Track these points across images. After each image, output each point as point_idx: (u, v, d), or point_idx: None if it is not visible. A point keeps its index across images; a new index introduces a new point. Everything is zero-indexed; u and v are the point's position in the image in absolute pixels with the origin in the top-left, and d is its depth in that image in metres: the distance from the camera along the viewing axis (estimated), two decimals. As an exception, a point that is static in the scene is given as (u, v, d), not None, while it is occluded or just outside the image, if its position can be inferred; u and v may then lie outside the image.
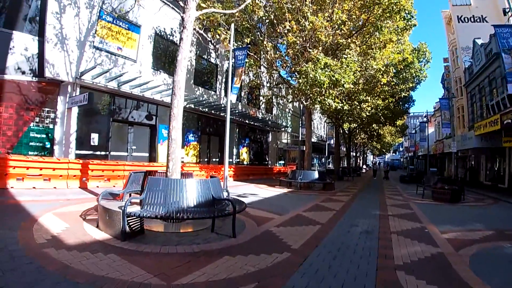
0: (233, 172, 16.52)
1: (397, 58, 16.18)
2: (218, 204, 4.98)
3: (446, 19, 26.94)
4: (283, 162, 28.98)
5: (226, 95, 11.41)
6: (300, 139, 23.14)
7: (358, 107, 18.95)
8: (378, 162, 55.87)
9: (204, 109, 16.91)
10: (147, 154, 14.39)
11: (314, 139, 33.28)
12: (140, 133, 14.32)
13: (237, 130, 21.24)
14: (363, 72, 14.66)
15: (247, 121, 21.24)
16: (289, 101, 19.62)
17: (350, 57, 11.99)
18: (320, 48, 12.46)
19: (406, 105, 26.10)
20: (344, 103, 13.50)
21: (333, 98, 12.53)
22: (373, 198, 12.03)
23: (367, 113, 20.14)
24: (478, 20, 23.03)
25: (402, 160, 75.88)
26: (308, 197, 10.86)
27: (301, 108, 24.01)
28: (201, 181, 5.02)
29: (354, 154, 47.25)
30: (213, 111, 17.47)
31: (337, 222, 6.44)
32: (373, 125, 28.89)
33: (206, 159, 18.07)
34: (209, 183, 5.01)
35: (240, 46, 12.46)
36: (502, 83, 16.39)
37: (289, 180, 14.06)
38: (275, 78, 16.75)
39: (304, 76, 11.46)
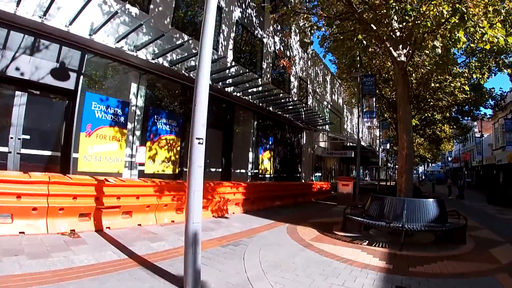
0: (244, 196, 8.34)
1: None
2: None
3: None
4: (320, 174, 20.49)
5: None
6: (358, 138, 14.68)
7: (452, 83, 12.42)
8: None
9: (193, 75, 9.12)
10: (57, 154, 6.62)
11: (362, 143, 24.74)
12: (42, 107, 6.64)
13: (255, 122, 13.21)
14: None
15: (271, 109, 13.22)
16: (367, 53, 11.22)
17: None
18: None
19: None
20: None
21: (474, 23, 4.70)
22: None
23: (463, 95, 12.90)
24: None
25: (443, 171, 64.57)
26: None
27: (357, 92, 15.35)
28: None
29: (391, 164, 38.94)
30: (211, 83, 9.61)
31: None
32: (445, 124, 20.64)
33: (197, 169, 10.13)
34: None
35: None
36: None
37: (368, 220, 5.86)
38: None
39: None
